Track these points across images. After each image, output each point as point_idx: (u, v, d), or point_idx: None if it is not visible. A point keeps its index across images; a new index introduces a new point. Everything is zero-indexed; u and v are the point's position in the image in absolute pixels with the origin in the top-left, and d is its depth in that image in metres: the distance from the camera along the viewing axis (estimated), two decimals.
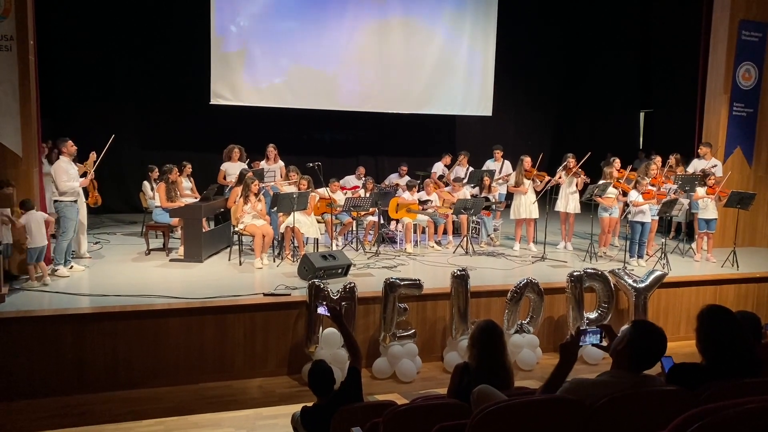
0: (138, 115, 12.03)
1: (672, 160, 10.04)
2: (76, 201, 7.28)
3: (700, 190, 8.89)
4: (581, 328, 2.98)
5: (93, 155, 7.81)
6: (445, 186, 10.30)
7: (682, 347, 7.04)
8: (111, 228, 10.49)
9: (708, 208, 8.82)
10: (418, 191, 9.67)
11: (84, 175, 7.70)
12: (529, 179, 9.21)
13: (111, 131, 8.08)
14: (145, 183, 9.83)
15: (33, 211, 6.74)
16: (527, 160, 9.24)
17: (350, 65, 12.57)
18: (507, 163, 10.71)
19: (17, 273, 7.00)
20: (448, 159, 11.08)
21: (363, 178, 10.18)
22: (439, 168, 11.00)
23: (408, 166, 11.22)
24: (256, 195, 8.13)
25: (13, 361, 5.52)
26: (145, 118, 12.09)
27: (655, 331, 2.76)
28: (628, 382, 2.64)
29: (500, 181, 10.22)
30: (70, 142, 7.27)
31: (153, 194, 9.33)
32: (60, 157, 7.21)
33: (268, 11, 12.00)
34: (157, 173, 9.55)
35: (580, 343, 2.93)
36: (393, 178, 11.05)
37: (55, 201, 7.21)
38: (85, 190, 8.19)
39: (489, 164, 10.80)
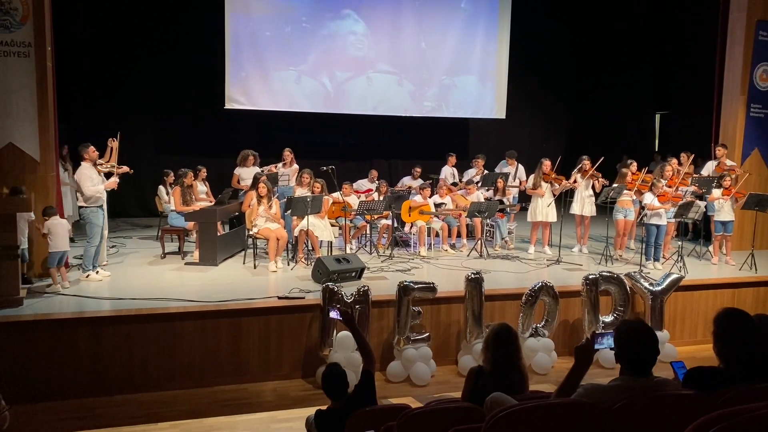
0: (153, 119, 12.14)
1: (684, 157, 9.94)
2: (101, 207, 7.35)
3: (716, 192, 8.80)
4: (596, 332, 2.97)
5: (113, 143, 7.79)
6: (455, 187, 10.29)
7: (699, 351, 7.01)
8: (127, 232, 10.60)
9: (723, 210, 8.72)
10: (431, 195, 9.64)
11: (109, 175, 7.64)
12: (547, 182, 9.16)
13: (126, 136, 8.15)
14: (161, 187, 9.90)
15: (56, 217, 6.84)
16: (546, 163, 9.19)
17: (363, 69, 12.59)
18: (521, 168, 10.68)
19: (35, 277, 7.08)
20: (453, 160, 11.02)
21: (376, 182, 10.19)
22: (447, 172, 10.94)
23: (421, 168, 11.21)
24: (269, 198, 8.16)
25: (30, 364, 5.58)
26: (161, 122, 12.20)
27: (636, 330, 2.75)
28: (641, 386, 2.63)
29: (515, 185, 10.20)
30: (92, 148, 7.31)
31: (168, 198, 9.40)
32: (81, 163, 7.27)
33: (281, 16, 12.06)
34: (173, 178, 9.62)
35: (596, 347, 2.92)
36: (406, 181, 11.05)
37: (81, 207, 7.27)
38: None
39: (502, 168, 10.78)
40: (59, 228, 6.82)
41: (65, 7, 9.33)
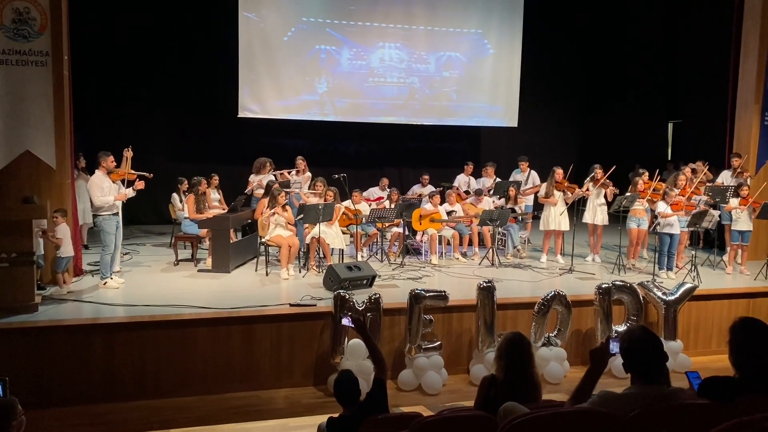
0: (167, 128, 12.24)
1: (699, 165, 9.87)
2: (116, 214, 7.40)
3: (733, 201, 8.73)
4: (611, 336, 2.97)
5: (128, 153, 7.87)
6: (467, 195, 10.29)
7: (714, 362, 6.94)
8: (140, 239, 10.67)
9: (741, 220, 8.65)
10: (441, 203, 9.62)
11: (131, 183, 7.67)
12: (559, 191, 9.13)
13: (141, 144, 8.21)
14: (174, 195, 9.98)
15: (65, 222, 6.93)
16: (559, 172, 9.16)
17: (376, 77, 12.64)
18: (534, 173, 10.65)
19: (47, 283, 7.15)
20: (470, 169, 11.04)
21: (387, 189, 10.19)
22: (462, 180, 10.95)
23: (433, 177, 11.21)
24: (283, 207, 8.19)
25: (44, 370, 5.62)
26: (174, 131, 12.30)
27: (638, 338, 2.75)
28: (655, 394, 2.61)
29: (528, 191, 10.18)
30: (111, 158, 7.39)
31: (182, 206, 9.47)
32: (96, 171, 7.34)
33: (294, 25, 12.14)
34: (187, 185, 9.69)
35: (611, 350, 2.91)
36: (416, 189, 11.06)
37: (94, 215, 7.34)
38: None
39: (515, 175, 10.76)
40: (68, 232, 6.96)
41: (82, 16, 9.45)
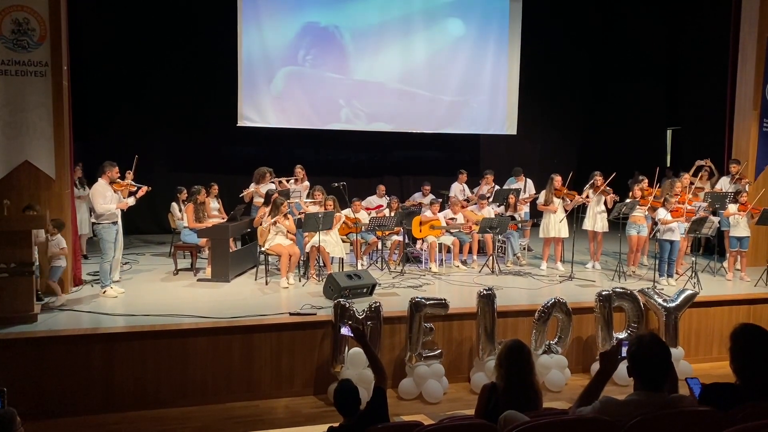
0: (167, 137, 12.26)
1: (706, 164, 9.88)
2: (116, 223, 7.40)
3: (732, 207, 8.73)
4: (622, 340, 2.98)
5: (130, 174, 7.93)
6: (468, 203, 10.29)
7: (715, 368, 6.92)
8: (140, 248, 10.66)
9: (739, 226, 8.65)
10: (441, 210, 9.60)
11: (133, 193, 7.74)
12: (559, 198, 9.14)
13: (140, 153, 8.22)
14: (174, 204, 9.97)
15: (59, 234, 6.95)
16: (558, 179, 9.17)
17: (375, 86, 12.67)
18: (530, 182, 10.66)
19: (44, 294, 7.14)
20: (463, 177, 11.03)
21: (385, 197, 10.19)
22: (456, 189, 10.94)
23: (432, 185, 11.22)
24: (285, 215, 8.19)
25: (43, 380, 5.60)
26: (174, 140, 12.32)
27: (648, 344, 2.74)
28: (657, 401, 2.60)
29: (526, 197, 10.20)
30: (117, 169, 7.41)
31: (181, 215, 9.46)
32: (98, 179, 7.35)
33: (293, 34, 12.18)
34: (186, 194, 9.69)
35: (622, 354, 2.91)
36: (416, 197, 11.07)
37: (94, 224, 7.35)
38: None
39: (510, 185, 10.78)
40: (63, 243, 6.98)
41: (81, 26, 9.49)
